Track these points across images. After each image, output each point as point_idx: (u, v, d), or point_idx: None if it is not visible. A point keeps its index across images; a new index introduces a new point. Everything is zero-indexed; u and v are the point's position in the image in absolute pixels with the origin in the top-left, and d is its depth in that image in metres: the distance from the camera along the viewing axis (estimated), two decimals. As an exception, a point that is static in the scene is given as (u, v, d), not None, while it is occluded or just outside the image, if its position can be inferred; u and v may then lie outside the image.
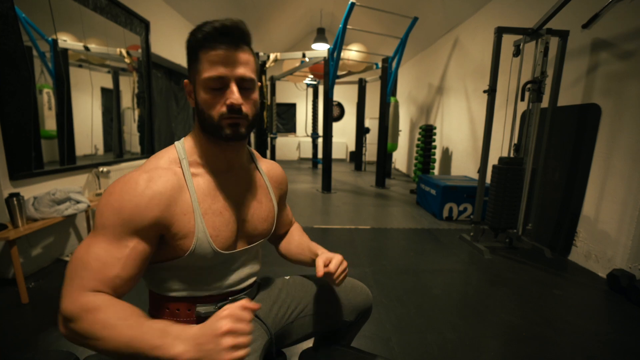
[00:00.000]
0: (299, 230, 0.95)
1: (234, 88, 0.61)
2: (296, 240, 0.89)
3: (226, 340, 0.47)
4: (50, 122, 2.15)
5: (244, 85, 0.62)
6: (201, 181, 0.67)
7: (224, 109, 0.61)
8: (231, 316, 0.49)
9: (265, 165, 0.83)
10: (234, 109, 0.61)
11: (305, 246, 0.86)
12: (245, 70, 0.61)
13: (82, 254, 0.56)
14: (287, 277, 0.92)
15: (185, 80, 0.67)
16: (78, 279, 0.54)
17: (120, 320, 0.51)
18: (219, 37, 0.59)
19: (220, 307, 0.72)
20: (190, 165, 0.67)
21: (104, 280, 0.55)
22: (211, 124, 0.63)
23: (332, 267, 0.72)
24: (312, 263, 0.80)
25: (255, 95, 0.65)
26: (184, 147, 0.69)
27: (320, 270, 0.71)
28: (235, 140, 0.64)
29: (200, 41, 0.60)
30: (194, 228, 0.63)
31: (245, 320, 0.50)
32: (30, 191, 1.92)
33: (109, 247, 0.56)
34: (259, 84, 0.67)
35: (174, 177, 0.63)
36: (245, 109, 0.63)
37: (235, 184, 0.72)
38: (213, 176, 0.69)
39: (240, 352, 0.48)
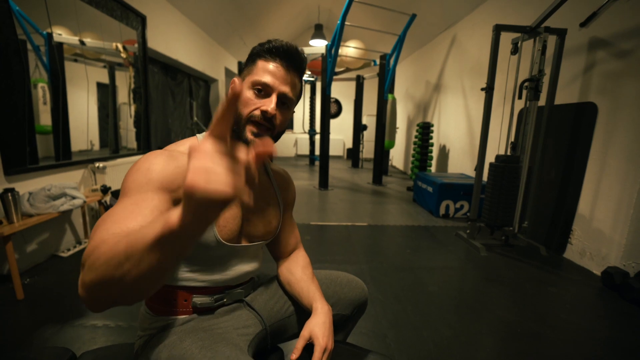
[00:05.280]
0: (303, 263, 0.87)
1: (274, 98, 0.66)
2: (297, 278, 0.83)
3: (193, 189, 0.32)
4: (45, 117, 2.13)
5: (283, 101, 0.68)
6: None
7: (257, 112, 0.65)
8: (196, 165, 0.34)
9: (275, 172, 0.86)
10: (266, 117, 0.65)
11: (305, 289, 0.80)
12: (289, 90, 0.68)
13: (107, 213, 0.52)
14: None
15: (234, 78, 0.70)
16: (99, 230, 0.48)
17: (130, 231, 0.45)
18: (281, 54, 0.67)
19: (216, 300, 0.74)
20: None
21: (127, 227, 0.48)
22: (238, 121, 0.66)
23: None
24: (307, 307, 0.78)
25: (288, 115, 0.71)
26: None
27: (295, 353, 0.69)
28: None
29: (265, 51, 0.67)
30: None
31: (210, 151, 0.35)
32: (25, 187, 1.90)
33: (134, 201, 0.53)
34: (294, 111, 0.73)
35: None
36: (277, 121, 0.68)
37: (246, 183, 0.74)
38: None
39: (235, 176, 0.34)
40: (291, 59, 0.68)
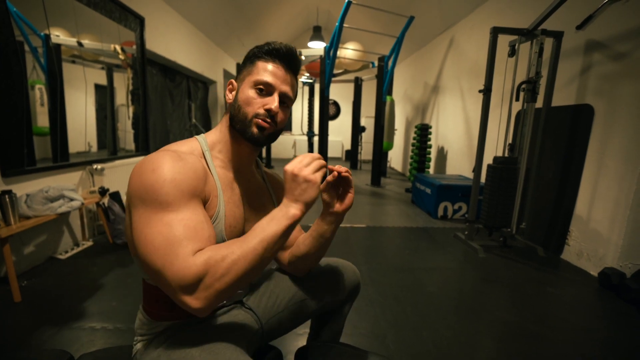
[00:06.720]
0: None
1: (276, 97, 0.69)
2: (299, 241, 0.85)
3: (302, 178, 0.60)
4: (42, 119, 2.12)
5: (283, 100, 0.71)
6: (221, 173, 0.71)
7: (261, 110, 0.68)
8: (296, 166, 0.61)
9: (268, 174, 0.88)
10: (270, 114, 0.68)
11: (307, 235, 0.83)
12: (289, 90, 0.71)
13: (166, 232, 0.54)
14: (274, 267, 0.93)
15: (232, 80, 0.74)
16: (182, 249, 0.53)
17: (238, 240, 0.57)
18: (280, 56, 0.69)
19: None
20: (212, 157, 0.71)
21: (202, 241, 0.56)
22: (243, 120, 0.68)
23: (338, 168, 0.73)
24: (320, 230, 0.81)
25: (287, 113, 0.74)
26: (206, 141, 0.72)
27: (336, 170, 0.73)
28: (256, 141, 0.69)
29: (264, 52, 0.69)
30: (216, 213, 0.66)
31: (306, 162, 0.62)
32: (22, 188, 1.89)
33: (189, 215, 0.57)
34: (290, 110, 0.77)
35: (198, 161, 0.65)
36: (278, 118, 0.70)
37: (244, 184, 0.77)
38: (229, 172, 0.74)
39: (319, 174, 0.62)
40: (289, 60, 0.70)
